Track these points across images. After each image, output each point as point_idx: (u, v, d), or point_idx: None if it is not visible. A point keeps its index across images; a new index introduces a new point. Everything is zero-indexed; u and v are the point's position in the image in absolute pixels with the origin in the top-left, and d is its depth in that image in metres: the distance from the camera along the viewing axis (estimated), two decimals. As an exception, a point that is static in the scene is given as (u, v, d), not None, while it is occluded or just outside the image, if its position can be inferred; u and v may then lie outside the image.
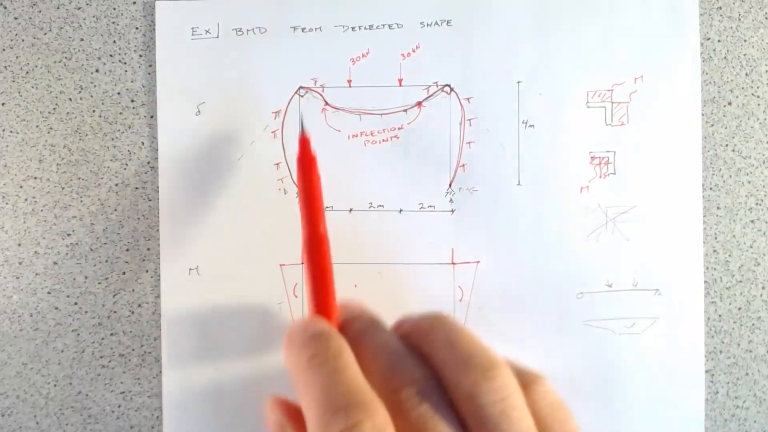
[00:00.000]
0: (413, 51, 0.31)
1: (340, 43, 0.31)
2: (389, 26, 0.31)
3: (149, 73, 0.32)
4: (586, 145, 0.31)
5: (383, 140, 0.31)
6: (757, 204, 0.32)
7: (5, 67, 0.32)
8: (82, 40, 0.32)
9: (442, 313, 0.23)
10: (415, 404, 0.20)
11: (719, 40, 0.32)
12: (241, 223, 0.31)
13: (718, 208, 0.32)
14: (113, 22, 0.32)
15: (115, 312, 0.32)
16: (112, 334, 0.32)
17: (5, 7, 0.32)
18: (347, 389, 0.20)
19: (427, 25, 0.31)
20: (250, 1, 0.31)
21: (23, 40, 0.32)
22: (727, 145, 0.32)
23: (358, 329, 0.23)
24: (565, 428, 0.21)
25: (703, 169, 0.32)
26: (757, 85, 0.32)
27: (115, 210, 0.32)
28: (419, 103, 0.31)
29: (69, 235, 0.32)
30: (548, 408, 0.21)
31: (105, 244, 0.32)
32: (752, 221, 0.32)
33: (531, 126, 0.31)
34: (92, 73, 0.32)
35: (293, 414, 0.22)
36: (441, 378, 0.21)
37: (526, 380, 0.21)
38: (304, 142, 0.27)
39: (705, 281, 0.32)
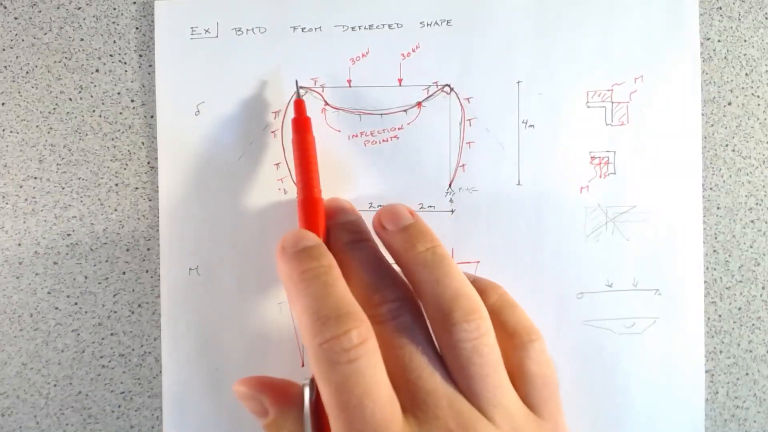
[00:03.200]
0: (413, 51, 0.31)
1: (340, 43, 0.31)
2: (389, 26, 0.31)
3: (149, 73, 0.32)
4: (586, 145, 0.31)
5: (383, 140, 0.31)
6: (757, 204, 0.32)
7: (5, 67, 0.32)
8: (82, 40, 0.32)
9: (428, 234, 0.25)
10: (390, 319, 0.23)
11: (719, 40, 0.32)
12: (241, 223, 0.31)
13: (718, 208, 0.32)
14: (113, 22, 0.32)
15: (115, 312, 0.32)
16: (112, 334, 0.32)
17: (5, 7, 0.32)
18: (337, 302, 0.22)
19: (427, 25, 0.31)
20: (250, 1, 0.31)
21: (23, 40, 0.32)
22: (727, 145, 0.32)
23: (346, 241, 0.26)
24: (548, 383, 0.24)
25: (703, 169, 0.32)
26: (757, 85, 0.32)
27: (115, 210, 0.32)
28: (419, 103, 0.31)
29: (69, 235, 0.32)
30: (537, 365, 0.24)
31: (105, 244, 0.32)
32: (752, 221, 0.32)
33: (531, 126, 0.31)
34: (92, 73, 0.32)
35: (262, 385, 0.25)
36: (424, 306, 0.24)
37: (527, 338, 0.24)
38: (299, 104, 0.28)
39: (705, 281, 0.32)
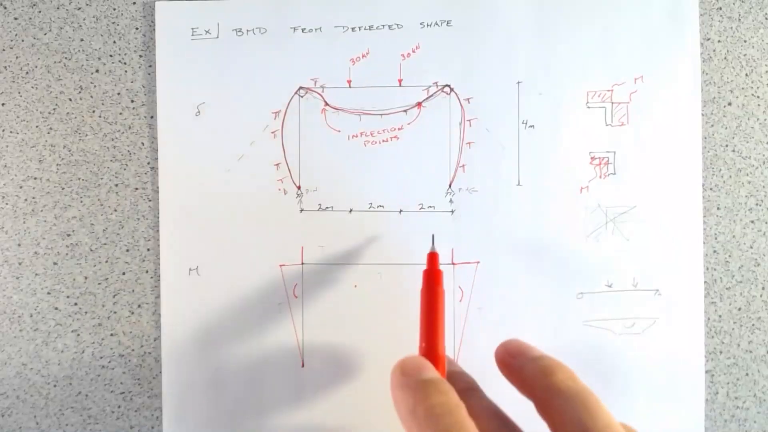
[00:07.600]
0: (413, 51, 0.31)
1: (340, 44, 0.31)
2: (389, 26, 0.31)
3: (149, 74, 0.32)
4: (586, 145, 0.31)
5: (383, 140, 0.31)
6: (757, 204, 0.32)
7: (5, 67, 0.32)
8: (82, 40, 0.32)
9: (563, 364, 0.23)
10: None
11: (719, 41, 0.32)
12: (241, 223, 0.31)
13: (718, 208, 0.32)
14: (113, 23, 0.32)
15: (115, 312, 0.32)
16: (112, 335, 0.32)
17: (5, 7, 0.32)
18: None
19: (427, 25, 0.31)
20: (250, 2, 0.32)
21: (23, 40, 0.32)
22: (727, 145, 0.32)
23: (460, 389, 0.23)
24: None
25: (703, 169, 0.32)
26: (757, 85, 0.32)
27: (115, 210, 0.32)
28: (419, 104, 0.31)
29: (69, 235, 0.32)
30: None
31: (105, 244, 0.32)
32: (752, 221, 0.32)
33: (531, 126, 0.31)
34: (92, 73, 0.32)
35: None
36: None
37: None
38: (432, 258, 0.28)
39: (705, 281, 0.32)
